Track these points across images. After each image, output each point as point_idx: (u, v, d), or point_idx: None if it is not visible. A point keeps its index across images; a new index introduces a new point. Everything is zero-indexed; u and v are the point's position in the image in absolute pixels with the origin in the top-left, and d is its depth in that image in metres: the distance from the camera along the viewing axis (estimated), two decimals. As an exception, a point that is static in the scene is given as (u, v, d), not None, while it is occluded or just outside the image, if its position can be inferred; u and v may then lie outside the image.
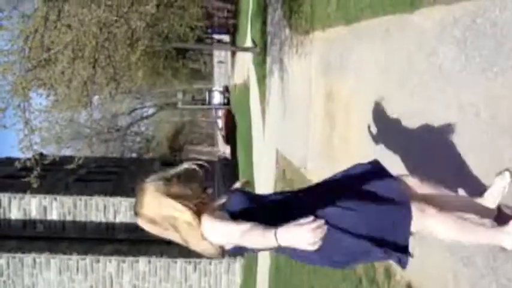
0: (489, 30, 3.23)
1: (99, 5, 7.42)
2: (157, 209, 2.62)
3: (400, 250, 2.60)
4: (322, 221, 2.13)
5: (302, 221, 2.14)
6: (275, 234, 2.19)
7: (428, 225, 2.67)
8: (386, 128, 4.80)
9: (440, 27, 3.88)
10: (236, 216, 2.54)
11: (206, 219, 2.52)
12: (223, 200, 2.69)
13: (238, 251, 2.59)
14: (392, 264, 4.56)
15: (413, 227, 2.64)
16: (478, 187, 3.13)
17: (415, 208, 2.64)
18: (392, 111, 4.68)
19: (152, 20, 9.48)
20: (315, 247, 2.15)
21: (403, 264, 2.60)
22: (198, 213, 2.55)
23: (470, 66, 3.39)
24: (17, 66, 7.55)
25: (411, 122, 4.26)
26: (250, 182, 3.18)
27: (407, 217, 2.62)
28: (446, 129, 3.62)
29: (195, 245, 2.59)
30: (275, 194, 3.07)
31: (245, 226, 2.37)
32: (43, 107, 8.73)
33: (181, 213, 2.54)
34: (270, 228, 2.24)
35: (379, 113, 5.05)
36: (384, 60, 5.07)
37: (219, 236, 2.50)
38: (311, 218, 2.13)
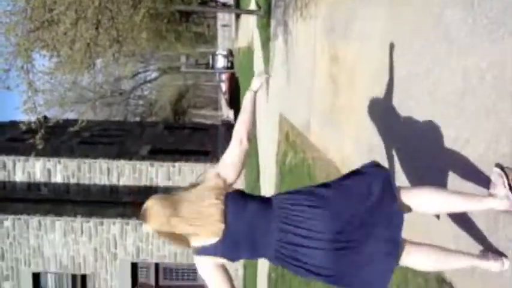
0: (496, -10, 3.18)
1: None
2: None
3: None
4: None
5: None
6: (249, 92, 2.95)
7: (411, 263, 2.87)
8: (388, 91, 4.77)
9: (447, -11, 3.82)
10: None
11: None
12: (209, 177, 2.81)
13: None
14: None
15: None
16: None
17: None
18: (395, 75, 4.65)
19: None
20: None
21: None
22: None
23: (477, 28, 3.34)
24: (20, 27, 7.48)
25: (414, 85, 4.23)
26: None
27: (393, 266, 2.74)
28: (450, 93, 3.60)
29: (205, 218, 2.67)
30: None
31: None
32: (46, 69, 8.69)
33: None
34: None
35: (382, 77, 5.02)
36: (390, 24, 5.01)
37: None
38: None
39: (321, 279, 2.68)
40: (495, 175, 2.80)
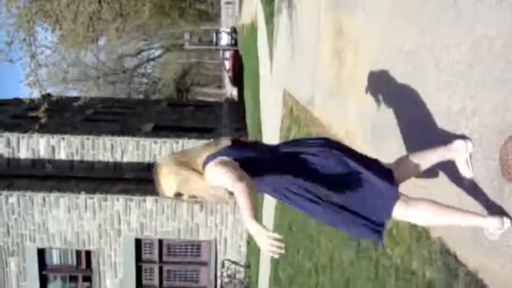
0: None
1: None
2: (171, 181, 2.93)
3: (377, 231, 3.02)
4: (281, 244, 2.37)
5: (269, 233, 2.38)
6: (249, 221, 2.46)
7: (409, 215, 3.04)
8: (394, 65, 4.72)
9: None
10: (239, 161, 2.81)
11: (208, 167, 2.83)
12: (225, 144, 2.97)
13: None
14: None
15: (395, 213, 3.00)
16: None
17: (401, 199, 2.99)
18: (401, 48, 4.59)
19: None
20: (269, 254, 2.42)
21: (378, 245, 3.10)
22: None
23: (486, -4, 3.29)
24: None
25: (420, 58, 4.18)
26: (258, 142, 3.44)
27: (393, 201, 2.97)
28: (457, 63, 3.55)
29: (208, 196, 2.97)
30: (278, 148, 3.19)
31: (238, 187, 2.57)
32: (49, 43, 8.61)
33: (189, 175, 2.91)
34: (251, 213, 2.47)
35: (387, 50, 4.97)
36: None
37: (218, 181, 2.77)
38: (275, 234, 2.38)
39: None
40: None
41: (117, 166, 17.15)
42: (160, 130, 18.36)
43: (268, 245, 2.37)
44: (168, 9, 22.75)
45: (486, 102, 3.18)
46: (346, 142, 6.52)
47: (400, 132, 4.42)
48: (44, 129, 16.08)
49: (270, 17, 15.01)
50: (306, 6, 9.76)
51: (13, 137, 16.83)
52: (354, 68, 6.17)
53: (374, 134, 5.34)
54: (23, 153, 16.91)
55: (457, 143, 3.22)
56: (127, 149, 17.09)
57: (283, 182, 2.95)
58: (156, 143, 17.19)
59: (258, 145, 3.19)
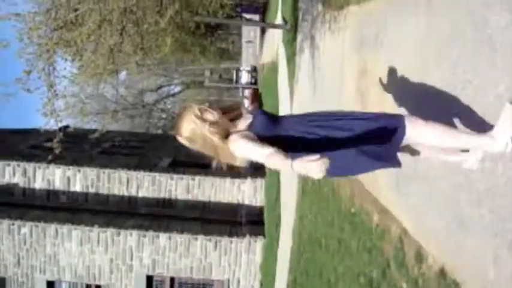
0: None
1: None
2: (192, 130, 3.06)
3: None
4: (326, 159, 2.50)
5: (312, 157, 2.51)
6: (291, 165, 2.61)
7: (419, 132, 3.13)
8: (422, 104, 4.52)
9: (491, -6, 3.58)
10: (261, 137, 2.99)
11: (234, 139, 3.00)
12: (249, 120, 3.11)
13: None
14: (423, 247, 4.32)
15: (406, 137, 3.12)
16: None
17: (407, 120, 3.15)
18: (430, 87, 4.40)
19: (182, -10, 9.28)
20: (320, 176, 2.51)
21: (397, 166, 3.13)
22: (226, 135, 3.05)
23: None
24: (43, 28, 7.38)
25: (449, 97, 3.98)
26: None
27: (402, 127, 3.10)
28: (490, 104, 3.35)
29: (227, 158, 3.10)
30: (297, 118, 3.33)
31: (268, 150, 2.80)
32: (68, 73, 8.59)
33: (211, 136, 3.02)
34: (288, 157, 2.69)
35: (414, 88, 4.78)
36: (424, 33, 4.77)
37: (245, 153, 2.97)
38: (318, 156, 2.51)
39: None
40: (507, 111, 2.99)
41: (131, 201, 17.02)
42: (177, 166, 18.23)
43: (318, 166, 2.49)
44: (189, 46, 22.86)
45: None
46: (368, 187, 6.30)
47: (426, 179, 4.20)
48: (61, 161, 16.05)
49: (291, 56, 14.98)
50: (329, 46, 9.66)
51: (29, 166, 16.82)
52: (378, 108, 5.97)
53: (398, 185, 5.12)
54: (39, 184, 16.87)
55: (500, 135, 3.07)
56: (143, 184, 16.98)
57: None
58: (172, 179, 17.07)
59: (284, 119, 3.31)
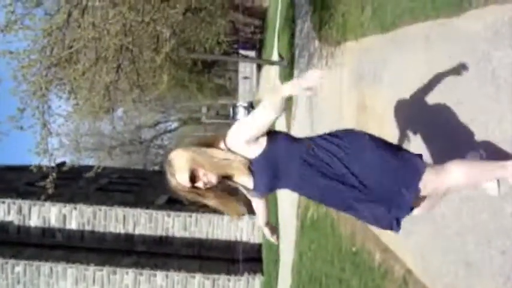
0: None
1: (123, 3, 7.17)
2: (184, 157, 2.63)
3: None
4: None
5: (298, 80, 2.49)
6: (280, 87, 2.51)
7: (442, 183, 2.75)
8: (425, 141, 4.43)
9: (493, 30, 3.52)
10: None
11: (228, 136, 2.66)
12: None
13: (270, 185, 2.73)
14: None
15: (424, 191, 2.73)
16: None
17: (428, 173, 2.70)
18: (432, 123, 4.31)
19: (179, 27, 9.27)
20: (317, 83, 2.44)
21: (395, 229, 2.78)
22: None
23: (530, 70, 3.03)
24: (38, 65, 7.33)
25: (454, 135, 3.89)
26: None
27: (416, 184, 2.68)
28: (499, 142, 3.25)
29: (227, 166, 2.64)
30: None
31: (259, 107, 2.58)
32: (63, 111, 8.52)
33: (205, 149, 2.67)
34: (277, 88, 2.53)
35: (415, 124, 4.70)
36: (424, 69, 4.71)
37: (240, 132, 2.61)
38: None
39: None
40: None
41: (128, 238, 16.81)
42: (174, 203, 18.06)
43: (312, 79, 2.43)
44: (186, 82, 22.92)
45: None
46: (369, 225, 6.17)
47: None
48: (57, 198, 15.87)
49: (288, 92, 14.94)
50: (327, 81, 9.63)
51: (25, 204, 16.65)
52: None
53: (402, 224, 4.98)
54: (34, 221, 16.67)
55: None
56: (139, 221, 16.79)
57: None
58: (169, 216, 16.90)
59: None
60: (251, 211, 3.08)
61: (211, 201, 2.75)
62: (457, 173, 2.74)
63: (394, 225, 2.77)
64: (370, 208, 2.71)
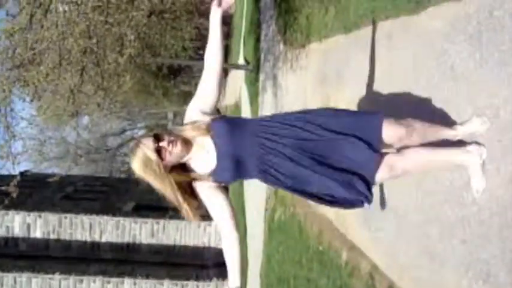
0: (509, 22, 2.95)
1: (87, 4, 7.11)
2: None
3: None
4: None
5: None
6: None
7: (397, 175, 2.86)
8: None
9: (451, 26, 3.61)
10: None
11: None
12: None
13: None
14: (395, 282, 4.23)
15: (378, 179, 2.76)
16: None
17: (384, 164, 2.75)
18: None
19: (143, 30, 9.23)
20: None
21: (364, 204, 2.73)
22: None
23: (487, 63, 3.11)
24: (0, 68, 7.21)
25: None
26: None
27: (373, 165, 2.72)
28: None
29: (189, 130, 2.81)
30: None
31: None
32: (27, 114, 8.38)
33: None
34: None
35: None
36: (387, 66, 4.79)
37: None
38: None
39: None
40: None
41: (95, 246, 16.60)
42: (141, 210, 17.91)
43: None
44: (152, 88, 22.78)
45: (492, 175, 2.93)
46: (336, 223, 6.23)
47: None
48: (21, 206, 15.59)
49: (254, 97, 15.00)
50: (292, 84, 9.69)
51: (-13, 214, 16.30)
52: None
53: (366, 221, 5.05)
54: (-4, 231, 16.35)
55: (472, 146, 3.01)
56: (106, 229, 16.61)
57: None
58: (136, 222, 16.76)
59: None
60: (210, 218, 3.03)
61: (174, 189, 2.82)
62: (417, 124, 2.90)
63: (365, 191, 2.68)
64: (333, 177, 2.67)
